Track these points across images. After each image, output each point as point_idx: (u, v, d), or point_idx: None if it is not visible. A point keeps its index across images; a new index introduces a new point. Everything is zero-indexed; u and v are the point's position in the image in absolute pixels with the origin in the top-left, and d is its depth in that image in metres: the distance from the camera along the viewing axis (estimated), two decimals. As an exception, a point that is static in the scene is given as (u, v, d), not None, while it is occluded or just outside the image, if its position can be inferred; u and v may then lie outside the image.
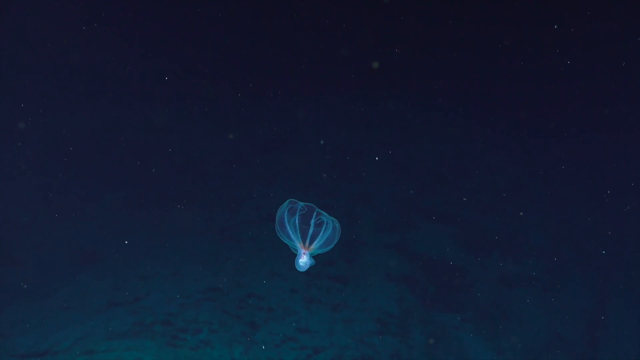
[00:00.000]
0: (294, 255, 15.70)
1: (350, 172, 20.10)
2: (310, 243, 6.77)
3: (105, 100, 22.47)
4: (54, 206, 18.95)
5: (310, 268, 15.25)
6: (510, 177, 20.72)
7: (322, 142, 20.51)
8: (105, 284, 15.43)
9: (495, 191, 20.04)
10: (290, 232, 6.78)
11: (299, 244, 6.76)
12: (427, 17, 25.89)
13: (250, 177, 20.04)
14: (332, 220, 6.84)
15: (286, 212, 6.78)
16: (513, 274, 17.35)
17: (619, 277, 18.34)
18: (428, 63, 25.01)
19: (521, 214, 19.34)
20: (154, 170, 20.31)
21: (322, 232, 6.75)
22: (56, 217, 18.46)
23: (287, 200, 6.87)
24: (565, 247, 18.69)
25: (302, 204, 6.79)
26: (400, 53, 25.00)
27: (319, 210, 6.78)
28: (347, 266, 16.08)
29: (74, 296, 15.04)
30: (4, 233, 17.39)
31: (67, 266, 16.69)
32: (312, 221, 6.73)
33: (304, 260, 6.75)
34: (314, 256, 6.95)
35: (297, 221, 6.79)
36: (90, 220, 18.43)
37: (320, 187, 19.39)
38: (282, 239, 6.91)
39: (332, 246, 6.82)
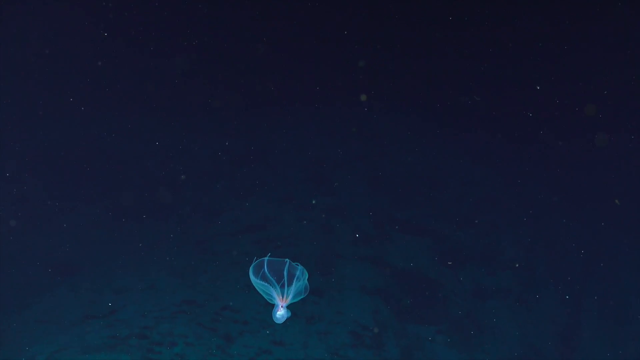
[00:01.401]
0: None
1: (326, 185, 20.17)
2: (287, 295, 6.90)
3: (82, 112, 22.44)
4: (30, 218, 18.92)
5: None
6: (485, 190, 20.87)
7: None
8: (81, 296, 15.43)
9: (470, 204, 20.17)
10: (269, 288, 6.92)
11: (277, 297, 6.89)
12: (401, 29, 26.02)
13: (226, 190, 20.09)
14: (302, 270, 6.99)
15: (253, 272, 6.91)
16: (487, 287, 17.46)
17: (592, 290, 18.51)
18: (403, 75, 25.14)
19: (497, 226, 19.49)
20: (130, 182, 20.32)
21: (294, 282, 6.88)
22: (32, 229, 18.43)
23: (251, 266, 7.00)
24: (539, 259, 18.84)
25: (266, 258, 6.92)
26: (375, 66, 25.10)
27: (290, 261, 6.92)
28: (322, 279, 16.14)
29: (49, 309, 15.02)
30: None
31: (43, 279, 16.68)
32: (285, 274, 6.87)
33: (281, 313, 6.89)
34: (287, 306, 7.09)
35: (268, 276, 6.92)
36: (66, 233, 18.42)
37: (295, 199, 19.46)
38: (259, 292, 7.05)
39: (304, 295, 6.98)
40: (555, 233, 19.80)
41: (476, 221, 19.49)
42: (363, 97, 23.80)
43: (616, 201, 19.83)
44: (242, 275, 15.87)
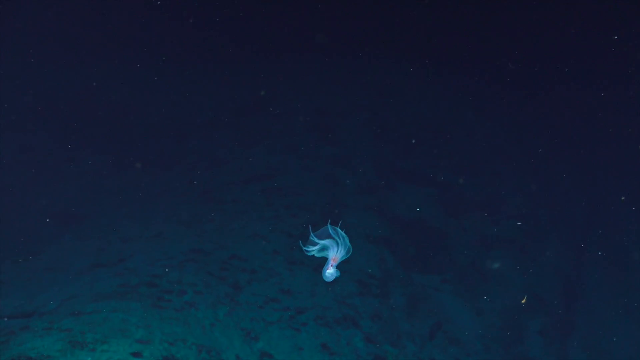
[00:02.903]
0: (275, 217, 15.88)
1: (330, 135, 20.17)
2: (339, 255, 7.14)
3: (86, 62, 22.36)
4: (37, 168, 18.93)
5: (292, 229, 15.45)
6: (489, 139, 20.88)
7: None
8: (89, 245, 15.49)
9: (474, 154, 20.19)
10: (326, 252, 7.16)
11: (331, 258, 7.11)
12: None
13: (231, 139, 20.07)
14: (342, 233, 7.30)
15: (308, 248, 7.16)
16: (492, 236, 17.56)
17: (595, 240, 18.61)
18: (409, 26, 25.02)
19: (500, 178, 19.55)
20: (137, 133, 20.32)
21: (342, 243, 7.12)
22: (39, 178, 18.45)
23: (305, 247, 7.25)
24: (543, 209, 18.92)
25: (312, 236, 7.21)
26: (381, 16, 24.96)
27: (333, 226, 7.19)
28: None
29: (58, 258, 15.09)
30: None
31: (50, 228, 16.74)
32: (335, 236, 7.11)
33: (330, 271, 7.12)
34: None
35: (322, 242, 7.13)
36: (73, 182, 18.44)
37: (300, 149, 19.46)
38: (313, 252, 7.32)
39: (347, 255, 7.25)
40: (559, 183, 19.86)
41: (480, 170, 19.53)
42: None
43: None
44: (249, 224, 15.95)
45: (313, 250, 7.14)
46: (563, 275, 17.47)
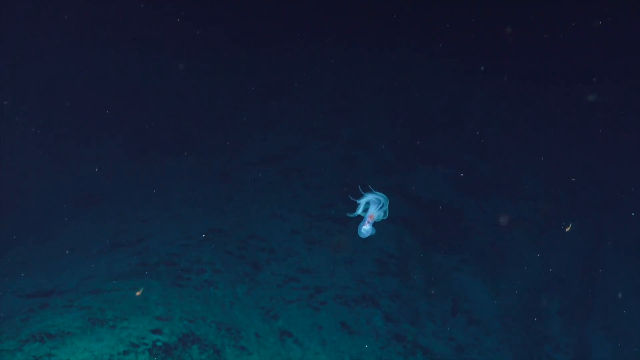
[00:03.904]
0: (293, 197, 15.86)
1: (349, 116, 20.11)
2: (376, 213, 7.41)
3: (105, 44, 22.35)
4: (56, 150, 18.99)
5: (310, 209, 15.46)
6: (508, 120, 20.77)
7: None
8: (107, 226, 15.54)
9: (493, 134, 20.10)
10: (371, 203, 7.41)
11: (369, 214, 7.37)
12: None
13: (249, 121, 20.05)
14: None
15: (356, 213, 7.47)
16: (510, 216, 17.48)
17: (614, 219, 18.52)
18: (427, 7, 24.87)
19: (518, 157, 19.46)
20: (154, 113, 20.33)
21: (382, 203, 7.38)
22: (58, 160, 18.51)
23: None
24: (562, 189, 18.82)
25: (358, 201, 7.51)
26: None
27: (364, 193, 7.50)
28: (347, 208, 16.18)
29: (76, 238, 15.15)
30: (6, 176, 17.46)
31: (69, 209, 16.79)
32: (376, 197, 7.37)
33: (366, 228, 7.39)
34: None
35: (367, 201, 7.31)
36: (91, 164, 18.47)
37: (318, 131, 19.43)
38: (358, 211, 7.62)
39: (384, 217, 7.58)
40: (578, 163, 19.75)
41: (499, 150, 19.45)
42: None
43: None
44: (267, 204, 15.94)
45: (360, 209, 7.40)
46: (582, 255, 17.40)
